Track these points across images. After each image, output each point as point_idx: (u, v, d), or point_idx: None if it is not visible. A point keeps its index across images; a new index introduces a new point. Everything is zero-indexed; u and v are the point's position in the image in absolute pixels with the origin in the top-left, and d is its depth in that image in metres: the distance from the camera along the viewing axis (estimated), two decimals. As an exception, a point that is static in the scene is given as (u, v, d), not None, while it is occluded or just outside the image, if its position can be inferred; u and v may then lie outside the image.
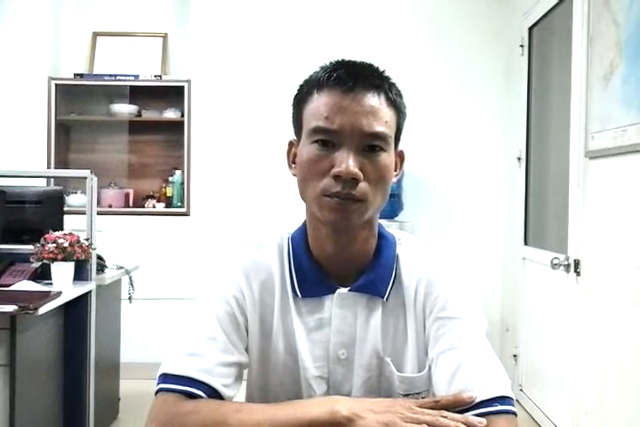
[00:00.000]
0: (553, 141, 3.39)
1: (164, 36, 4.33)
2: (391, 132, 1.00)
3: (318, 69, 1.02)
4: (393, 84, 1.02)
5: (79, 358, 2.82)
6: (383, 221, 1.11)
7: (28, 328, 2.38)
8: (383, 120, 0.98)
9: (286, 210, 3.58)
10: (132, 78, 4.19)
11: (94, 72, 4.24)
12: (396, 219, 3.81)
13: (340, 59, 1.03)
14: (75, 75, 4.21)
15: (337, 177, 0.95)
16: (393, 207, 3.77)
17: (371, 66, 1.02)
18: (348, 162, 0.95)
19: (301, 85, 1.04)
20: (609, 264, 2.52)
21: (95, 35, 4.31)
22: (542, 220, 3.58)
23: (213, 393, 0.95)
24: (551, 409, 3.18)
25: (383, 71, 1.03)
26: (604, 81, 2.54)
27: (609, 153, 2.50)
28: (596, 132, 2.60)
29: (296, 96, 1.05)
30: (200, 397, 0.94)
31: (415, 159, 3.94)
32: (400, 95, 1.03)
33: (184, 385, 0.94)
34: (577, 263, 2.77)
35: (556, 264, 2.85)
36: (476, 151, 4.18)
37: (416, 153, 3.95)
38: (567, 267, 2.82)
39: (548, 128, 3.50)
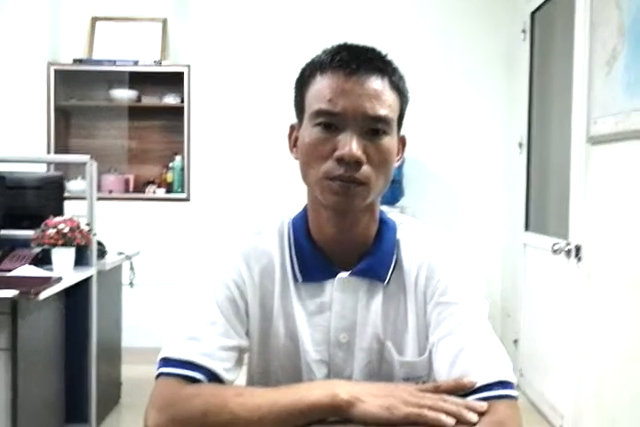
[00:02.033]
0: (555, 127, 3.38)
1: (164, 21, 4.29)
2: (394, 116, 0.99)
3: (320, 52, 1.01)
4: (396, 68, 1.01)
5: (80, 343, 2.83)
6: (384, 208, 1.11)
7: (30, 313, 2.39)
8: (386, 103, 0.97)
9: (287, 195, 3.59)
10: (132, 64, 4.17)
11: (93, 57, 4.21)
12: (396, 205, 3.80)
13: (342, 42, 1.02)
14: (74, 60, 4.18)
15: (340, 160, 0.95)
16: (394, 193, 3.76)
17: (374, 49, 1.01)
18: (351, 145, 0.94)
19: (304, 68, 1.03)
20: (610, 250, 2.52)
21: (94, 20, 4.28)
22: (543, 205, 3.58)
23: (214, 377, 0.95)
24: (551, 394, 3.19)
25: (386, 55, 1.02)
26: (606, 66, 2.52)
27: (611, 138, 2.49)
28: (598, 118, 2.59)
29: (298, 79, 1.04)
30: (200, 381, 0.94)
31: (416, 145, 3.91)
32: (403, 79, 1.02)
33: (185, 369, 0.94)
34: (578, 249, 2.77)
35: (556, 250, 2.85)
36: (477, 137, 4.17)
37: (417, 139, 3.93)
38: (568, 252, 2.82)
39: (549, 114, 3.48)
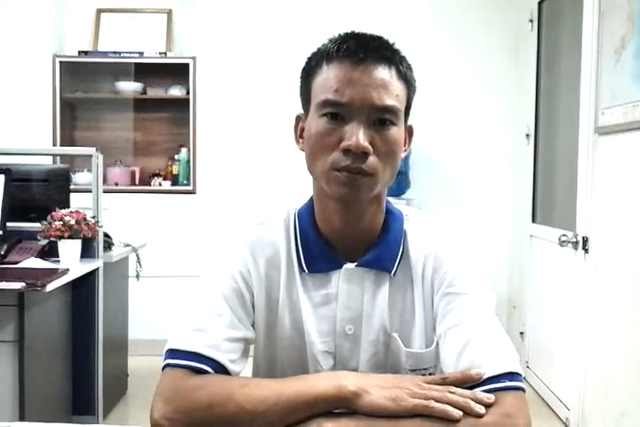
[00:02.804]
0: (562, 118, 3.35)
1: (169, 13, 4.27)
2: (401, 106, 0.98)
3: (327, 41, 1.00)
4: (403, 58, 1.00)
5: (87, 334, 2.84)
6: (390, 199, 1.10)
7: (36, 305, 2.39)
8: (394, 93, 0.96)
9: (293, 186, 3.58)
10: (137, 55, 4.16)
11: (99, 49, 4.20)
12: (402, 197, 3.79)
13: (349, 31, 1.01)
14: (79, 52, 4.17)
15: (346, 151, 0.94)
16: (400, 185, 3.75)
17: (381, 38, 1.00)
18: (358, 135, 0.93)
19: (310, 58, 1.02)
20: (617, 241, 2.50)
21: (99, 11, 4.27)
22: (550, 197, 3.56)
23: (220, 369, 0.95)
24: (558, 386, 3.19)
25: (393, 44, 1.01)
26: (614, 56, 2.50)
27: (619, 129, 2.47)
28: (606, 108, 2.57)
29: (304, 69, 1.03)
30: (207, 372, 0.94)
31: (423, 137, 3.88)
32: (410, 69, 1.01)
33: (191, 361, 0.94)
34: (585, 240, 2.75)
35: (564, 241, 2.84)
36: (484, 128, 4.15)
37: (424, 130, 3.90)
38: (575, 244, 2.81)
39: (557, 104, 3.46)
